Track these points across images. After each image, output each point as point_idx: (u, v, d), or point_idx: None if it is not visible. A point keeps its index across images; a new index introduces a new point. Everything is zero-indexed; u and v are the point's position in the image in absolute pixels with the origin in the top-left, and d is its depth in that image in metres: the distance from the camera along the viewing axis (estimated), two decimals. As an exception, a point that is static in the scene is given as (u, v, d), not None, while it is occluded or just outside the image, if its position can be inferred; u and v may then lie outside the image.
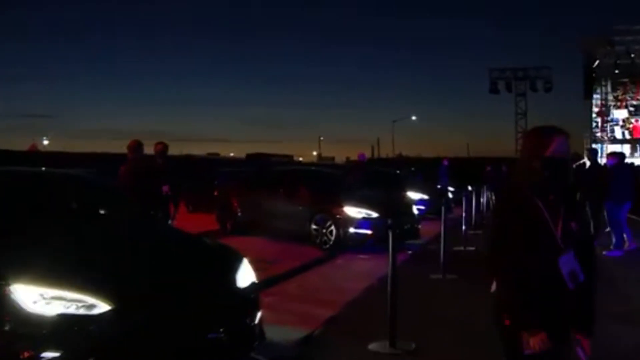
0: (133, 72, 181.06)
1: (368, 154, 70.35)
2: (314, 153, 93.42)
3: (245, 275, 5.22)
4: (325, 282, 9.74)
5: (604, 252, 12.06)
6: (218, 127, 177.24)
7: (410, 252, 12.02)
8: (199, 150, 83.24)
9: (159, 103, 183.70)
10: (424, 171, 27.13)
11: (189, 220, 16.46)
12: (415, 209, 13.57)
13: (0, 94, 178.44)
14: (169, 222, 10.43)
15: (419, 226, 13.04)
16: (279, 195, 13.53)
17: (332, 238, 12.14)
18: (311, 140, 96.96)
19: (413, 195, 19.72)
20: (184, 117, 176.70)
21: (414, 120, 72.35)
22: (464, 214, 13.25)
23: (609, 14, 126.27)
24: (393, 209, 12.90)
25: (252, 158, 63.46)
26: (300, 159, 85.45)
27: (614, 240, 12.11)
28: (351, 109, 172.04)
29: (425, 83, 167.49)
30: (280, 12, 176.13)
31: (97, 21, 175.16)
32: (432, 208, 18.88)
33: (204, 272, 5.02)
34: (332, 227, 12.13)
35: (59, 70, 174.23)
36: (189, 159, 40.77)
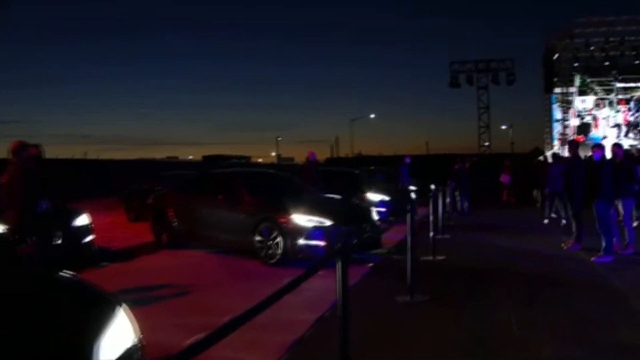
0: (93, 76, 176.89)
1: (327, 154, 69.56)
2: (273, 154, 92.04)
3: (117, 339, 3.38)
4: (268, 313, 7.95)
5: (592, 259, 10.55)
6: (179, 131, 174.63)
7: (371, 264, 10.36)
8: (159, 154, 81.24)
9: (118, 107, 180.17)
10: (384, 170, 25.65)
11: (127, 231, 14.60)
12: (375, 214, 11.84)
13: None
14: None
15: (381, 233, 11.35)
16: (218, 202, 11.72)
17: (279, 251, 10.36)
18: (271, 141, 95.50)
19: (373, 196, 18.16)
20: (144, 121, 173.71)
21: (373, 119, 71.83)
22: (430, 217, 11.60)
23: (572, 6, 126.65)
24: (350, 215, 11.21)
25: (210, 160, 61.78)
26: (260, 160, 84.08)
27: (603, 244, 10.56)
28: (310, 109, 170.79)
29: (385, 80, 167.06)
30: (238, 13, 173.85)
31: (57, 24, 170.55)
32: (394, 210, 17.35)
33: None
34: (279, 238, 10.36)
35: (17, 74, 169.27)
36: (132, 163, 39.00)
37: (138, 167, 34.63)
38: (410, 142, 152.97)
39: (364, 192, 18.39)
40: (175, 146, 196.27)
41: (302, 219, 10.28)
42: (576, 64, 62.27)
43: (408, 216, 8.01)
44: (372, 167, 28.25)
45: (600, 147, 11.29)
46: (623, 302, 7.56)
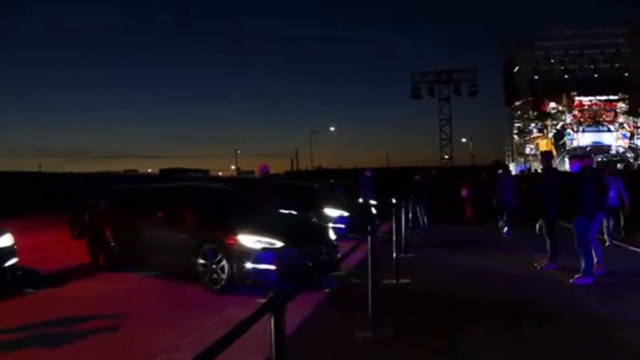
0: (48, 88, 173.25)
1: (287, 167, 68.33)
2: (233, 167, 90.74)
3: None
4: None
5: (571, 280, 9.64)
6: (139, 144, 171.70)
7: (328, 290, 9.26)
8: (119, 167, 79.31)
9: (75, 121, 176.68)
10: (344, 184, 24.64)
11: (67, 250, 13.18)
12: (332, 233, 10.73)
13: None
14: None
15: (338, 254, 10.27)
16: (158, 220, 10.52)
17: (224, 276, 9.20)
18: (231, 155, 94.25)
19: (331, 212, 17.11)
20: (105, 135, 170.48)
21: (333, 132, 71.16)
22: (394, 237, 10.56)
23: (534, 19, 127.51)
24: (304, 234, 10.11)
25: (167, 173, 60.21)
26: (220, 173, 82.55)
27: (582, 264, 9.64)
28: (271, 123, 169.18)
29: (345, 93, 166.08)
30: (194, 26, 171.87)
31: (9, 34, 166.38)
32: (354, 227, 16.33)
33: None
34: (224, 262, 9.20)
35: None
36: (89, 176, 37.48)
37: (95, 180, 33.08)
38: (371, 155, 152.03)
39: (321, 207, 17.33)
40: (135, 159, 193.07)
41: (249, 240, 9.14)
42: (536, 77, 62.57)
43: (369, 238, 6.95)
44: (332, 181, 27.26)
45: (579, 159, 10.38)
46: (616, 336, 6.61)
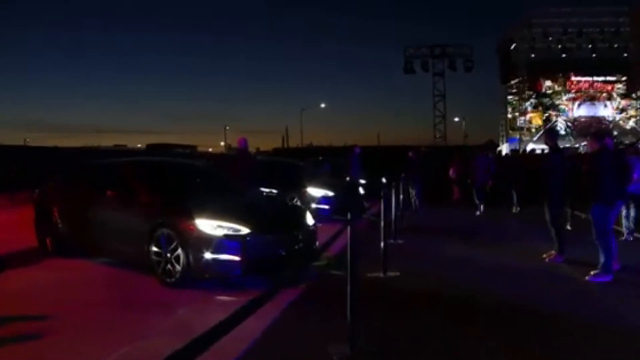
0: (39, 63, 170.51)
1: (278, 144, 66.79)
2: (222, 144, 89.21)
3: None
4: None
5: (586, 278, 8.26)
6: (129, 119, 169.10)
7: (303, 285, 7.84)
8: (108, 142, 77.51)
9: (66, 95, 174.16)
10: (332, 161, 23.17)
11: (28, 229, 11.60)
12: (309, 218, 9.25)
13: None
14: None
15: (317, 241, 8.85)
16: (108, 199, 9.08)
17: (179, 267, 7.78)
18: (221, 132, 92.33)
19: (315, 191, 15.70)
20: (95, 110, 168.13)
21: (324, 109, 69.90)
22: (382, 223, 9.14)
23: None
24: (276, 219, 8.68)
25: (153, 148, 58.54)
26: (210, 149, 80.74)
27: (602, 259, 8.25)
28: (261, 100, 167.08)
29: (336, 69, 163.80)
30: (185, 2, 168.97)
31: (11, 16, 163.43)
32: (339, 207, 14.92)
33: None
34: (179, 251, 7.77)
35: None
36: (77, 150, 35.84)
37: (83, 155, 31.41)
38: (362, 133, 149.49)
39: (304, 186, 15.90)
40: (126, 135, 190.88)
41: (209, 226, 7.67)
42: (533, 55, 61.10)
43: (348, 228, 5.52)
44: (320, 158, 25.78)
45: (599, 137, 8.90)
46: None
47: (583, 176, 9.12)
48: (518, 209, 17.78)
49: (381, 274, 8.50)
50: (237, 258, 7.59)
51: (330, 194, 15.76)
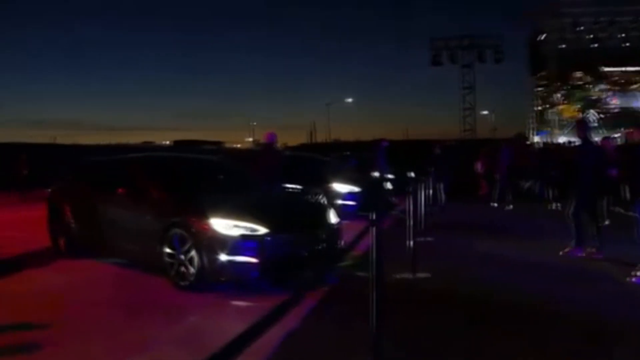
0: (67, 63, 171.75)
1: (304, 139, 66.32)
2: (249, 139, 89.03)
3: None
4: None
5: (628, 279, 7.65)
6: (157, 118, 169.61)
7: (325, 288, 7.30)
8: (137, 139, 77.68)
9: (92, 95, 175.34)
10: (359, 156, 22.60)
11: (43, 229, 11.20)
12: (333, 215, 8.68)
13: None
14: None
15: (341, 240, 8.31)
16: (120, 197, 8.62)
17: (193, 270, 7.29)
18: (248, 128, 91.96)
19: (340, 187, 15.13)
20: (121, 108, 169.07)
21: (351, 104, 69.39)
22: (409, 221, 8.55)
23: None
24: (297, 217, 8.12)
25: (180, 145, 58.43)
26: (238, 145, 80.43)
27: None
28: (288, 95, 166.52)
29: (362, 63, 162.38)
30: (208, 1, 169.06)
31: (16, 9, 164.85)
32: (365, 204, 14.39)
33: None
34: (193, 252, 7.28)
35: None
36: (105, 148, 35.75)
37: (111, 152, 31.28)
38: (389, 127, 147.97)
39: (329, 182, 15.34)
40: (154, 131, 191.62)
41: (224, 225, 7.16)
42: (563, 46, 59.85)
43: (372, 230, 4.97)
44: (347, 153, 25.21)
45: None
46: None
47: (622, 169, 8.53)
48: (558, 205, 17.02)
49: (410, 275, 7.94)
50: (254, 260, 7.08)
51: (356, 189, 15.19)
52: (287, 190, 10.57)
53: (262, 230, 7.21)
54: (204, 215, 7.31)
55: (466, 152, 22.55)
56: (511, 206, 17.22)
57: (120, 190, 8.64)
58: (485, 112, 67.83)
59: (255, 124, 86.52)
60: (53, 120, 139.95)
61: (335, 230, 8.32)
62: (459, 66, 51.87)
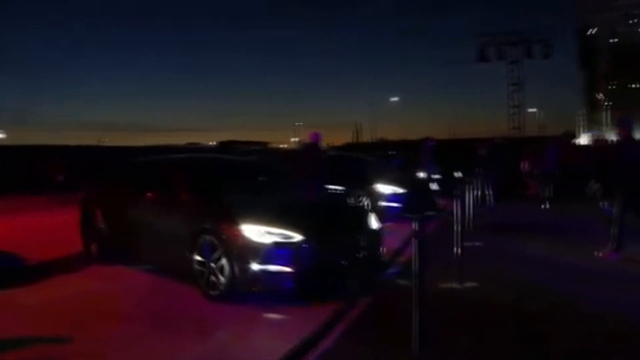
0: (106, 66, 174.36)
1: (348, 139, 65.83)
2: (294, 139, 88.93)
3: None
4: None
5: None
6: (201, 118, 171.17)
7: (364, 300, 6.75)
8: (182, 140, 78.34)
9: (135, 96, 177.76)
10: (405, 155, 22.01)
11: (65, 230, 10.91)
12: (374, 220, 8.11)
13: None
14: None
15: (382, 248, 7.75)
16: (152, 201, 8.22)
17: (223, 280, 6.83)
18: (292, 128, 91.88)
19: (384, 188, 14.58)
20: (164, 109, 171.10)
21: (396, 103, 68.93)
22: (456, 226, 7.93)
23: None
24: (335, 223, 7.56)
25: (225, 145, 58.39)
26: (284, 145, 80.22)
27: None
28: (332, 95, 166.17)
29: (407, 61, 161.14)
30: (250, 2, 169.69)
31: (62, 11, 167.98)
32: (409, 205, 13.84)
33: None
34: (223, 260, 6.81)
35: (25, 62, 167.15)
36: (149, 149, 35.64)
37: (155, 153, 31.25)
38: (435, 126, 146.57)
39: (372, 182, 14.79)
40: (199, 132, 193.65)
41: (255, 231, 6.68)
42: (614, 40, 58.14)
43: (414, 241, 4.44)
44: (393, 152, 24.62)
45: None
46: None
47: None
48: (606, 204, 16.21)
49: (457, 285, 7.35)
50: (288, 269, 6.58)
51: (400, 190, 14.60)
52: (327, 192, 10.04)
53: (297, 237, 6.71)
54: (234, 221, 6.83)
55: (514, 150, 21.71)
56: (548, 205, 16.61)
57: (150, 193, 8.25)
58: (533, 110, 66.45)
59: (300, 124, 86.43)
60: (98, 122, 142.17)
61: (376, 236, 7.78)
62: (506, 62, 50.73)
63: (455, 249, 7.64)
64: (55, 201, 19.10)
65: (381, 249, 7.71)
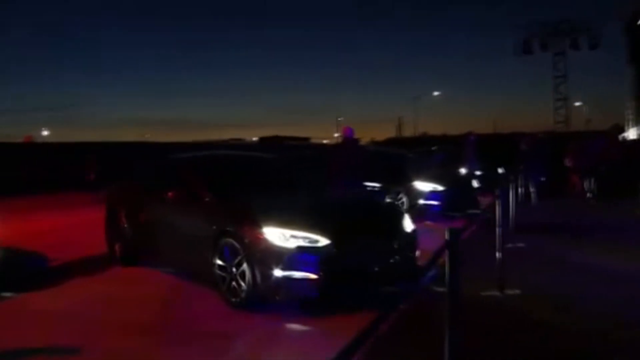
0: (153, 63, 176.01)
1: (392, 135, 65.13)
2: (337, 135, 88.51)
3: None
4: None
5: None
6: (244, 114, 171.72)
7: (396, 310, 6.23)
8: (226, 135, 78.72)
9: (179, 93, 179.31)
10: (446, 151, 21.40)
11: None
12: (408, 222, 7.54)
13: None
14: None
15: (417, 252, 7.19)
16: (173, 201, 7.79)
17: (245, 286, 6.38)
18: (334, 122, 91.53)
19: (422, 185, 14.03)
20: (206, 105, 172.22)
21: (438, 97, 67.97)
22: (498, 230, 7.31)
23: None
24: (365, 225, 7.00)
25: (266, 141, 58.21)
26: (325, 141, 79.73)
27: None
28: (374, 90, 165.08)
29: (448, 55, 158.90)
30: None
31: (119, 8, 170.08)
32: (451, 203, 13.36)
33: None
34: (244, 265, 6.36)
35: (72, 59, 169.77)
36: (193, 145, 35.45)
37: (199, 150, 31.05)
38: (477, 120, 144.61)
39: (411, 180, 14.23)
40: (245, 128, 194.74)
41: (279, 235, 6.20)
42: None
43: (449, 253, 3.92)
44: (434, 148, 23.98)
45: None
46: None
47: None
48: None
49: (497, 292, 6.79)
50: (314, 276, 6.09)
51: (440, 188, 14.02)
52: (360, 191, 9.55)
53: (323, 241, 6.21)
54: (256, 223, 6.37)
55: (558, 145, 20.86)
56: (593, 202, 16.26)
57: (172, 193, 7.78)
58: (579, 103, 64.82)
59: (341, 119, 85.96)
60: (144, 118, 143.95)
61: (411, 239, 7.18)
62: (551, 54, 49.39)
63: (497, 254, 7.06)
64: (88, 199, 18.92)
65: (416, 252, 7.16)
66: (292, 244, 6.15)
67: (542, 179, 16.73)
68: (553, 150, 19.09)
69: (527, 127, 60.96)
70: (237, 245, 6.44)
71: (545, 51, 48.82)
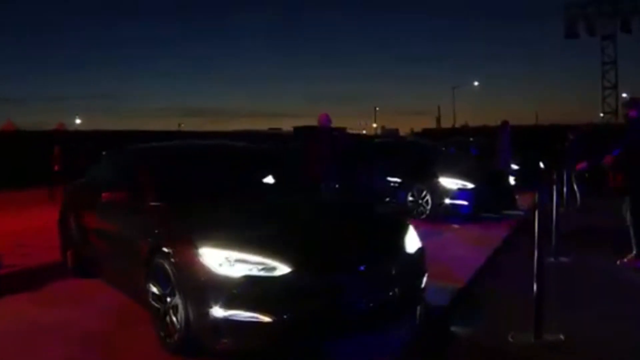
0: (191, 52, 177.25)
1: (431, 125, 63.20)
2: (374, 125, 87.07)
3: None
4: None
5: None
6: (283, 104, 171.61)
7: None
8: (262, 125, 77.75)
9: (217, 82, 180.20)
10: (481, 142, 19.65)
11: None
12: (413, 235, 5.60)
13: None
14: None
15: (424, 278, 5.32)
16: (121, 204, 5.95)
17: (177, 324, 4.64)
18: (373, 113, 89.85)
19: (450, 182, 12.23)
20: (244, 95, 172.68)
21: (478, 87, 66.77)
22: (536, 251, 5.39)
23: None
24: (346, 244, 4.98)
25: (301, 131, 56.51)
26: (364, 131, 77.92)
27: None
28: (413, 80, 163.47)
29: (489, 43, 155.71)
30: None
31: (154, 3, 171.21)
32: (481, 203, 11.89)
33: None
34: (177, 297, 4.63)
35: (106, 49, 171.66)
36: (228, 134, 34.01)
37: (235, 139, 29.46)
38: (518, 111, 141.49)
39: (437, 175, 12.38)
40: (286, 118, 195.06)
41: (220, 259, 4.37)
42: None
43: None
44: (471, 139, 22.27)
45: None
46: None
47: None
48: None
49: (532, 339, 4.95)
50: (266, 319, 4.29)
51: (470, 185, 12.08)
52: (346, 195, 7.91)
53: (282, 268, 4.37)
54: (189, 240, 4.60)
55: (606, 139, 18.64)
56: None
57: (119, 193, 6.02)
58: (624, 95, 62.01)
59: (377, 108, 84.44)
60: (179, 108, 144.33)
61: (414, 261, 5.32)
62: (598, 38, 46.33)
63: (534, 285, 5.16)
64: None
65: (424, 279, 5.36)
66: (237, 271, 4.32)
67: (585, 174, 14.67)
68: (597, 144, 16.96)
69: (572, 118, 58.39)
70: (168, 268, 4.70)
71: (592, 35, 45.75)
